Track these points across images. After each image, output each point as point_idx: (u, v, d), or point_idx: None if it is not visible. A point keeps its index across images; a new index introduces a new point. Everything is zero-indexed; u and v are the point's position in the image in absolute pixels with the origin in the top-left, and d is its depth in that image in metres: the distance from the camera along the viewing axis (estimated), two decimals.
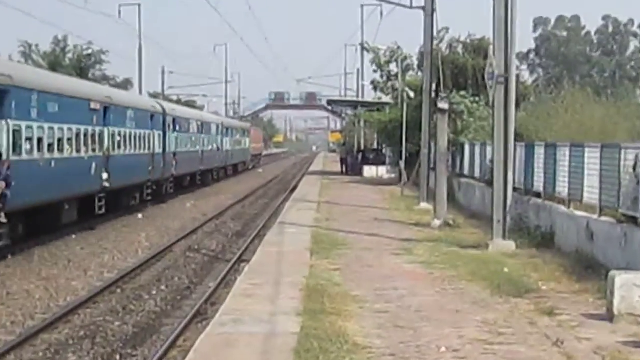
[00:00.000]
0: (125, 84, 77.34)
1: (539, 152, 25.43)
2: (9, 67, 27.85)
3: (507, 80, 22.65)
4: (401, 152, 47.12)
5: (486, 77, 24.20)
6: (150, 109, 44.86)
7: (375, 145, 71.71)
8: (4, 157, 22.92)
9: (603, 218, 19.54)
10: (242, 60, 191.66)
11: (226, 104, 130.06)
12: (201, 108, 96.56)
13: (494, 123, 23.07)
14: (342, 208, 35.14)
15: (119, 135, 36.42)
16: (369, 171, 61.86)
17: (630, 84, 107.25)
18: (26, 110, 25.10)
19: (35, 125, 25.86)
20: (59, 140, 28.26)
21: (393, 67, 57.74)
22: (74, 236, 28.75)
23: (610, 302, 13.72)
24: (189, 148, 54.04)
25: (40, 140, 26.17)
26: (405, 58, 56.95)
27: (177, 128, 50.00)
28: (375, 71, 61.06)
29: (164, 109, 47.73)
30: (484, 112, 39.60)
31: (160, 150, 44.76)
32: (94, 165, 32.11)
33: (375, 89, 64.94)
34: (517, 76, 33.55)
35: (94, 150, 32.28)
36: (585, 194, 20.98)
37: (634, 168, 17.65)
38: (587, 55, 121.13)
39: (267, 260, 20.34)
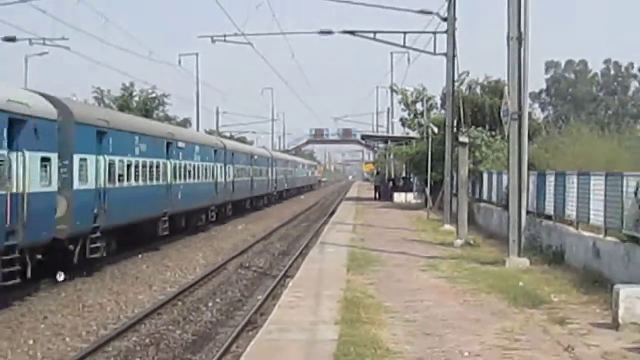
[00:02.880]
0: (185, 123, 77.88)
1: (550, 180, 25.30)
2: (108, 114, 32.13)
3: (520, 117, 22.62)
4: (427, 180, 47.16)
5: (502, 114, 24.13)
6: (212, 144, 47.23)
7: (404, 175, 71.59)
8: (102, 186, 24.70)
9: (608, 238, 19.38)
10: (286, 101, 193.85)
11: (272, 140, 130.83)
12: (251, 143, 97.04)
13: (509, 154, 23.03)
14: (375, 230, 35.09)
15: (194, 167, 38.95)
16: (398, 197, 61.92)
17: (631, 120, 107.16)
18: (119, 148, 26.86)
19: (125, 159, 27.76)
20: (143, 171, 29.92)
21: (419, 106, 57.82)
22: (140, 256, 28.87)
23: (616, 312, 13.64)
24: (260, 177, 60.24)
25: (128, 171, 27.97)
26: (430, 98, 57.04)
27: (234, 160, 51.86)
28: (403, 110, 61.26)
29: (225, 146, 50.19)
30: (500, 145, 39.39)
31: (224, 179, 47.05)
32: (172, 191, 33.93)
33: (403, 125, 65.14)
34: (530, 113, 33.35)
35: (167, 179, 33.49)
36: (592, 217, 20.82)
37: (636, 194, 17.56)
38: (593, 94, 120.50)
39: (309, 276, 20.34)
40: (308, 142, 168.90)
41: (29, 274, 19.43)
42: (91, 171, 24.17)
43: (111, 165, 25.94)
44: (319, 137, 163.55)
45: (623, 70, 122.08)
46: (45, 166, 20.56)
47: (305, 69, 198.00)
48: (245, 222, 48.28)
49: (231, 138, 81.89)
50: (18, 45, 37.82)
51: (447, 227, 33.98)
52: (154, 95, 70.14)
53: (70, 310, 18.55)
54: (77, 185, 22.91)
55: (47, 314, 18.02)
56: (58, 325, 16.86)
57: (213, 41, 38.44)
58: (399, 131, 72.54)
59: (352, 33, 35.65)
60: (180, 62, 66.40)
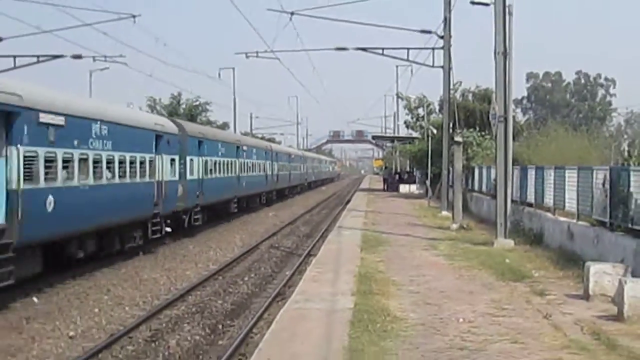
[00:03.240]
0: (223, 126, 77.80)
1: (531, 173, 25.30)
2: (203, 129, 37.47)
3: (506, 119, 22.61)
4: (427, 173, 47.18)
5: (490, 117, 24.11)
6: (265, 147, 54.49)
7: (408, 169, 71.45)
8: (201, 177, 31.18)
9: (580, 222, 19.41)
10: (308, 106, 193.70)
11: (297, 140, 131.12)
12: (279, 143, 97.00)
13: (497, 151, 23.04)
14: (384, 215, 35.11)
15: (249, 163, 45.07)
16: (403, 188, 61.74)
17: (599, 122, 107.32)
18: (210, 151, 33.45)
19: (213, 159, 34.17)
20: (223, 167, 36.35)
21: (420, 111, 57.59)
22: (187, 238, 29.06)
23: (587, 285, 13.70)
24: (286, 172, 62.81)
25: (215, 167, 34.62)
26: (429, 104, 56.77)
27: (277, 159, 57.77)
28: (407, 114, 61.02)
29: (272, 148, 57.50)
30: (489, 143, 39.38)
31: (271, 172, 53.30)
32: (240, 181, 40.56)
33: (407, 127, 64.84)
34: (513, 117, 33.27)
35: (236, 172, 40.22)
36: (567, 204, 20.84)
37: (603, 184, 17.53)
38: (567, 100, 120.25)
39: (329, 255, 20.45)
40: (327, 142, 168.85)
41: (164, 232, 25.75)
42: (195, 167, 30.42)
43: (206, 163, 32.44)
44: (336, 137, 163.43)
45: (592, 79, 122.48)
46: (172, 164, 26.80)
47: (324, 79, 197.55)
48: (275, 209, 48.40)
49: (262, 138, 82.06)
50: (83, 62, 38.12)
51: (445, 213, 33.98)
52: (197, 103, 70.20)
53: (129, 284, 18.75)
54: (188, 176, 29.07)
55: (109, 286, 18.21)
56: (119, 296, 17.04)
57: (247, 57, 38.50)
58: (403, 132, 72.35)
59: (363, 49, 35.57)
60: (219, 74, 66.72)
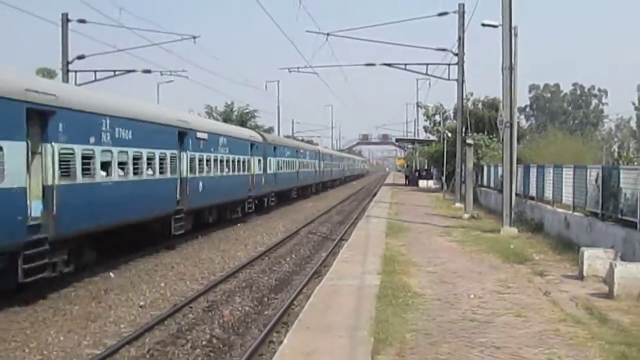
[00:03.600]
0: (269, 130, 78.28)
1: (533, 170, 25.05)
2: (275, 138, 44.36)
3: (511, 125, 22.46)
4: (443, 171, 46.87)
5: (497, 123, 23.91)
6: (314, 150, 60.75)
7: (426, 167, 71.14)
8: (275, 172, 36.32)
9: (575, 213, 19.17)
10: (341, 113, 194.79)
11: (332, 143, 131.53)
12: (316, 144, 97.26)
13: (503, 152, 22.88)
14: (405, 206, 34.97)
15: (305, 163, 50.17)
16: (422, 183, 61.62)
17: (592, 127, 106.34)
18: (280, 154, 38.37)
19: (282, 159, 39.87)
20: (293, 164, 43.20)
21: (437, 118, 57.40)
22: (239, 224, 29.22)
23: (581, 268, 13.56)
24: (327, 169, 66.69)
25: (283, 165, 40.22)
26: (445, 111, 56.64)
27: (323, 158, 62.69)
28: (425, 120, 60.97)
29: (319, 150, 63.41)
30: (496, 145, 38.90)
31: (319, 169, 58.49)
32: (295, 175, 45.47)
33: (425, 131, 64.96)
34: (517, 122, 32.92)
35: (295, 168, 45.64)
36: (564, 197, 20.61)
37: (596, 181, 17.35)
38: (564, 108, 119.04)
39: (358, 240, 20.42)
40: (357, 144, 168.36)
41: (253, 208, 31.82)
42: (272, 165, 36.84)
43: (278, 162, 38.66)
44: (364, 140, 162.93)
45: (586, 90, 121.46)
46: (259, 162, 33.59)
47: (355, 89, 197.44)
48: (313, 201, 48.47)
49: (302, 140, 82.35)
50: (152, 75, 38.58)
51: (458, 204, 33.72)
52: (247, 110, 70.63)
53: (190, 262, 18.90)
54: (268, 171, 35.69)
55: (173, 264, 18.39)
56: (181, 273, 17.19)
57: (289, 71, 38.38)
58: (422, 136, 72.08)
59: (389, 65, 35.33)
60: (266, 86, 67.44)
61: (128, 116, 17.74)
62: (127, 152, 17.40)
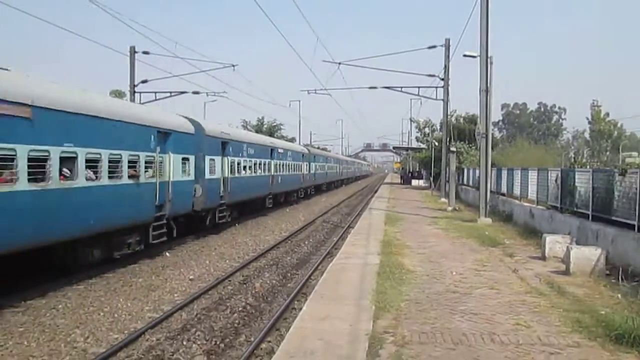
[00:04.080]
0: (292, 140, 78.24)
1: (504, 172, 24.93)
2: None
3: (486, 136, 22.22)
4: (431, 172, 46.59)
5: (475, 134, 23.76)
6: (339, 157, 67.05)
7: (417, 169, 70.80)
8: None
9: (539, 206, 19.02)
10: (348, 126, 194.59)
11: (341, 150, 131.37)
12: (329, 151, 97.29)
13: (480, 158, 22.63)
14: (400, 201, 34.78)
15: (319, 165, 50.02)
16: (414, 182, 61.26)
17: (553, 138, 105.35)
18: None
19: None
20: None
21: (427, 130, 56.99)
22: (267, 214, 29.28)
23: (543, 250, 13.45)
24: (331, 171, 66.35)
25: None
26: (433, 125, 56.13)
27: (341, 163, 67.64)
28: (417, 132, 60.58)
29: (340, 158, 69.34)
30: (475, 152, 38.68)
31: (339, 171, 61.34)
32: (326, 175, 50.18)
33: (417, 140, 64.27)
34: (492, 134, 32.71)
35: (327, 170, 51.40)
36: (529, 194, 20.47)
37: (556, 181, 17.21)
38: (530, 123, 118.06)
39: (362, 227, 20.34)
40: (362, 151, 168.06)
41: (302, 195, 36.94)
42: (312, 167, 40.44)
43: (317, 166, 42.44)
44: (368, 147, 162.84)
45: (549, 108, 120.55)
46: (308, 165, 36.30)
47: (360, 107, 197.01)
48: (326, 196, 48.42)
49: (317, 148, 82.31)
50: (200, 96, 39.04)
51: (443, 199, 33.52)
52: (275, 124, 70.77)
53: (228, 245, 18.97)
54: (311, 171, 40.51)
55: (215, 246, 18.46)
56: (222, 253, 17.26)
57: (308, 93, 38.50)
58: (414, 144, 71.65)
59: (388, 87, 35.28)
60: (289, 105, 67.73)
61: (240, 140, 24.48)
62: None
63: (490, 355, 6.78)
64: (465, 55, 24.72)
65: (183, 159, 17.38)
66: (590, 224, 13.97)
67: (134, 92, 31.32)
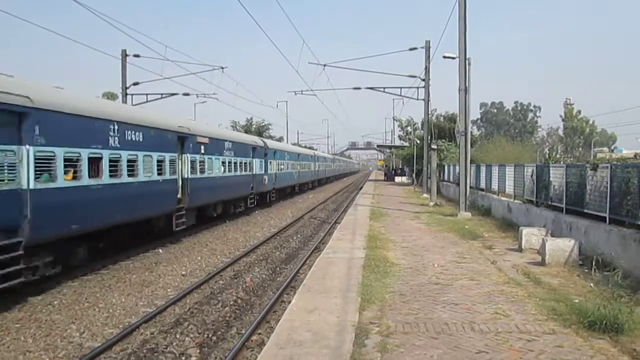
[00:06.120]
0: (280, 139, 78.02)
1: (482, 168, 25.03)
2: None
3: (465, 134, 22.30)
4: (413, 169, 46.74)
5: (455, 132, 23.81)
6: (331, 157, 72.19)
7: (400, 166, 71.10)
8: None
9: (516, 200, 19.13)
10: (334, 125, 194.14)
11: (327, 148, 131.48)
12: (315, 149, 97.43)
13: (459, 154, 22.71)
14: (384, 197, 34.86)
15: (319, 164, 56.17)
16: (397, 179, 61.43)
17: (529, 135, 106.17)
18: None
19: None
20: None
21: (409, 128, 57.25)
22: (257, 211, 29.17)
23: (520, 242, 13.54)
24: (323, 169, 66.99)
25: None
26: (415, 124, 56.41)
27: (335, 161, 73.52)
28: (400, 130, 60.89)
29: (334, 158, 74.96)
30: (455, 149, 38.83)
31: (316, 169, 56.00)
32: (316, 173, 52.07)
33: (400, 139, 64.70)
34: (471, 132, 32.91)
35: (321, 168, 55.95)
36: (507, 188, 20.58)
37: (531, 176, 17.31)
38: (507, 120, 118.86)
39: (348, 223, 20.35)
40: (347, 149, 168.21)
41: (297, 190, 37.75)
42: (316, 166, 45.99)
43: (319, 164, 45.51)
44: (353, 146, 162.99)
45: (524, 106, 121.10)
46: (314, 164, 37.65)
47: (345, 107, 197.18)
48: (314, 193, 48.39)
49: (305, 147, 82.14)
50: (190, 98, 38.78)
51: (425, 195, 33.68)
52: (263, 124, 70.55)
53: (220, 241, 18.89)
54: (316, 169, 49.06)
55: (207, 243, 18.38)
56: (213, 249, 17.18)
57: (295, 93, 38.70)
58: (397, 142, 71.97)
59: (372, 88, 35.32)
60: (277, 105, 68.10)
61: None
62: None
63: (470, 343, 6.84)
64: (445, 57, 24.81)
65: None
66: (564, 216, 14.11)
67: (126, 94, 31.03)
